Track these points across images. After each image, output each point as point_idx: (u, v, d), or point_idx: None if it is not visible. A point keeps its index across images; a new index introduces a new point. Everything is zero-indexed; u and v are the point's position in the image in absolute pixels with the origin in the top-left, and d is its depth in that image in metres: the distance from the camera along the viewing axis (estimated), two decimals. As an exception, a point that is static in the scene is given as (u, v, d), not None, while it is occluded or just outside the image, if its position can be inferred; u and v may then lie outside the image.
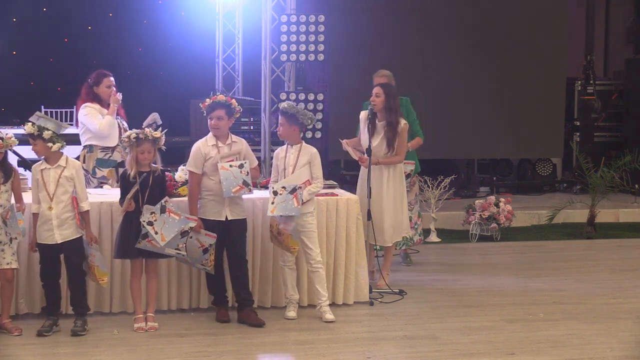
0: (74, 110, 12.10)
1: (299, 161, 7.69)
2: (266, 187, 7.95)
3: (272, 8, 11.66)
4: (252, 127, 12.62)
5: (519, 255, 10.56)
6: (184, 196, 7.72)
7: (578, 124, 14.27)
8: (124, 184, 7.31)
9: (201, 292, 7.84)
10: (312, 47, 11.55)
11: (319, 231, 7.90)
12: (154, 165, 7.35)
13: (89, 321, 7.27)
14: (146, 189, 7.25)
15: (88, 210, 7.23)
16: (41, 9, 14.22)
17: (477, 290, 8.81)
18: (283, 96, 11.49)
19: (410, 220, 9.10)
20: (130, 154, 7.31)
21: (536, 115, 13.61)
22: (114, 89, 8.78)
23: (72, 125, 8.75)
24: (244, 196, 7.58)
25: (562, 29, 13.79)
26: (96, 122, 8.62)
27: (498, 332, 7.42)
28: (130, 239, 7.22)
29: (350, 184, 9.57)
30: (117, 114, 8.82)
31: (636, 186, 12.56)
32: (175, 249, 7.28)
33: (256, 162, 7.75)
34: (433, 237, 11.11)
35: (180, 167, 8.02)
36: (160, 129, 7.54)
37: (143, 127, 7.70)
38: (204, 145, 7.54)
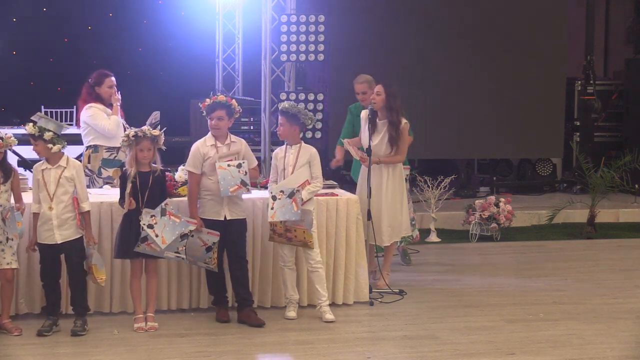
0: (74, 110, 12.11)
1: (298, 161, 7.68)
2: (266, 187, 7.95)
3: (272, 8, 11.67)
4: (252, 127, 12.62)
5: (519, 255, 10.56)
6: (184, 196, 7.72)
7: (578, 124, 14.27)
8: (124, 184, 7.30)
9: (201, 292, 7.84)
10: (312, 47, 11.56)
11: (319, 231, 7.89)
12: (154, 165, 7.35)
13: (89, 321, 7.26)
14: (146, 189, 7.24)
15: (89, 211, 7.23)
16: (41, 9, 14.20)
17: (477, 290, 8.81)
18: (283, 96, 11.51)
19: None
20: (129, 153, 7.31)
21: (536, 115, 13.61)
22: (115, 89, 8.79)
23: (72, 125, 8.74)
24: (243, 196, 7.58)
25: (562, 29, 13.79)
26: (104, 122, 8.61)
27: (498, 332, 7.41)
28: (130, 239, 7.21)
29: (350, 184, 9.56)
30: (118, 114, 8.84)
31: (636, 186, 12.55)
32: (175, 252, 7.28)
33: (255, 163, 7.73)
34: (433, 237, 11.10)
35: (180, 167, 8.01)
36: (159, 127, 7.54)
37: (147, 125, 7.70)
38: (202, 146, 7.53)
